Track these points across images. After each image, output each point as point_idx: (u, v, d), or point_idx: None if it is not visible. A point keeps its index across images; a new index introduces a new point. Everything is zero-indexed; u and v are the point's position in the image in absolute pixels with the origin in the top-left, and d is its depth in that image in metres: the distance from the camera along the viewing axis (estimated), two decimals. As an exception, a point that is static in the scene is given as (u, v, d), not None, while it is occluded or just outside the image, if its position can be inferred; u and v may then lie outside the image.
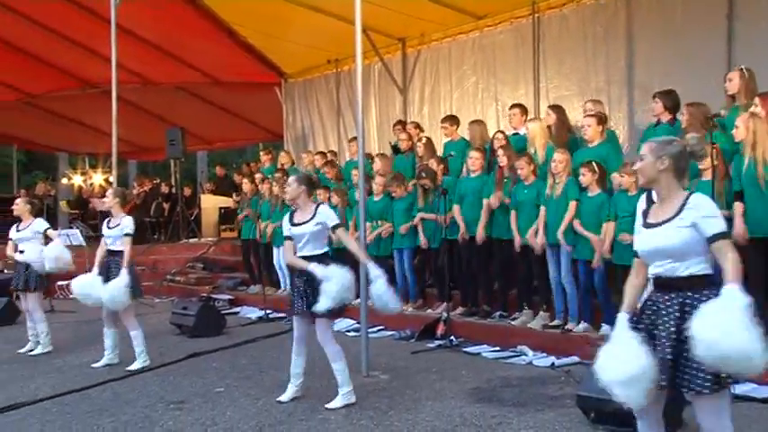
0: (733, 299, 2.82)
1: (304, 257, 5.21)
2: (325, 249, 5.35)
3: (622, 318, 3.16)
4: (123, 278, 6.50)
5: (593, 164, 6.52)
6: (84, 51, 13.08)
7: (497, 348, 6.83)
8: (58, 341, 7.67)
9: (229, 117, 16.64)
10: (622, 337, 3.09)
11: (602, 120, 6.95)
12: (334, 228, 5.19)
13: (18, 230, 7.64)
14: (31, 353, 7.50)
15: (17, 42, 13.30)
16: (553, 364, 6.15)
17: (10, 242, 7.74)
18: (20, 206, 7.78)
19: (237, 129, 17.54)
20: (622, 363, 3.00)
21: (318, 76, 13.37)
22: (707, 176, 5.51)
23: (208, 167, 25.08)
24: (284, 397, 5.35)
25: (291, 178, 5.47)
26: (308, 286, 5.13)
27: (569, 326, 6.69)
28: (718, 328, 2.75)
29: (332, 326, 5.35)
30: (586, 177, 6.53)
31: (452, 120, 8.96)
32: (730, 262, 2.95)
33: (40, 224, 7.67)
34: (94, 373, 6.49)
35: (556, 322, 6.88)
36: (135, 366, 6.57)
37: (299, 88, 13.92)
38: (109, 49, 9.57)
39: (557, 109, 7.60)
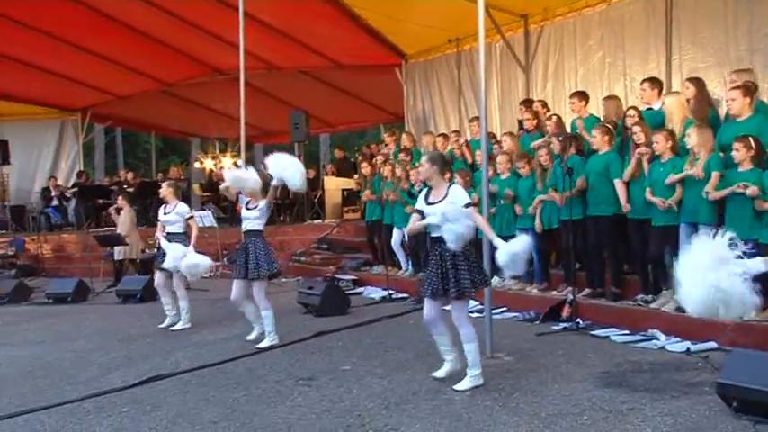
0: None
1: (434, 238, 5.21)
2: None
3: None
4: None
5: (750, 139, 5.98)
6: (214, 39, 13.63)
7: (627, 332, 6.58)
8: (193, 318, 8.08)
9: (351, 99, 16.88)
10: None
11: (749, 90, 6.34)
12: (466, 206, 5.11)
13: (165, 213, 8.10)
14: (172, 328, 7.96)
15: (153, 33, 14.02)
16: (688, 349, 5.84)
17: (159, 223, 8.21)
18: (165, 190, 8.26)
19: (359, 111, 17.79)
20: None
21: (439, 56, 13.28)
22: None
23: (330, 150, 25.58)
24: (439, 373, 5.32)
25: (424, 158, 5.49)
26: (442, 268, 5.09)
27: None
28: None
29: (467, 307, 5.30)
30: (740, 153, 5.99)
31: (581, 95, 8.55)
32: None
33: (182, 208, 8.11)
34: (228, 349, 6.80)
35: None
36: (264, 344, 6.82)
37: (420, 69, 13.89)
38: (236, 37, 9.91)
39: (695, 81, 7.05)
